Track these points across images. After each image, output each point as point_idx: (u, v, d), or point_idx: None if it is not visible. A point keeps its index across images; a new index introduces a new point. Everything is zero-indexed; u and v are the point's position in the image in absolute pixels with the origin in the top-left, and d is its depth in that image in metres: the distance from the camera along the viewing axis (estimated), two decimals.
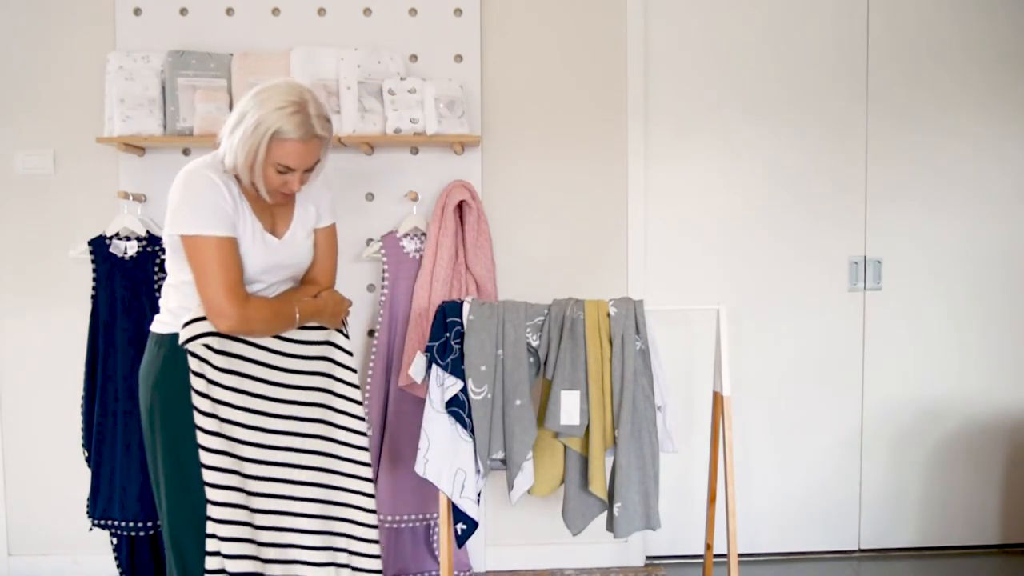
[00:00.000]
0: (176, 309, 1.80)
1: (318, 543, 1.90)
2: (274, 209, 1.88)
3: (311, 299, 1.91)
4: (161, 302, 1.85)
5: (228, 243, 1.73)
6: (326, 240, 2.01)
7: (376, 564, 1.98)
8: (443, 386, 2.25)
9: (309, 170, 1.82)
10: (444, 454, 2.24)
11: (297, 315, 1.85)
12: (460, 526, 2.26)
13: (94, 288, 2.52)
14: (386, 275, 2.62)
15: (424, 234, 2.64)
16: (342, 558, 1.95)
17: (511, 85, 2.75)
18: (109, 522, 2.49)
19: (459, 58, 2.71)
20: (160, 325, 1.83)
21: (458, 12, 2.70)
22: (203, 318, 1.75)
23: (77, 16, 2.67)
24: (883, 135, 2.86)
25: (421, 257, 2.62)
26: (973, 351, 2.92)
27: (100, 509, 2.50)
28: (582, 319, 2.25)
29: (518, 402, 2.23)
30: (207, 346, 1.76)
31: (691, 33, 2.81)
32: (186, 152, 2.66)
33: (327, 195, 2.02)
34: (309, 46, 2.58)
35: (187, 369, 1.76)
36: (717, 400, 2.40)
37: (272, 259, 1.84)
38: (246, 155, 1.73)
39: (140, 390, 1.83)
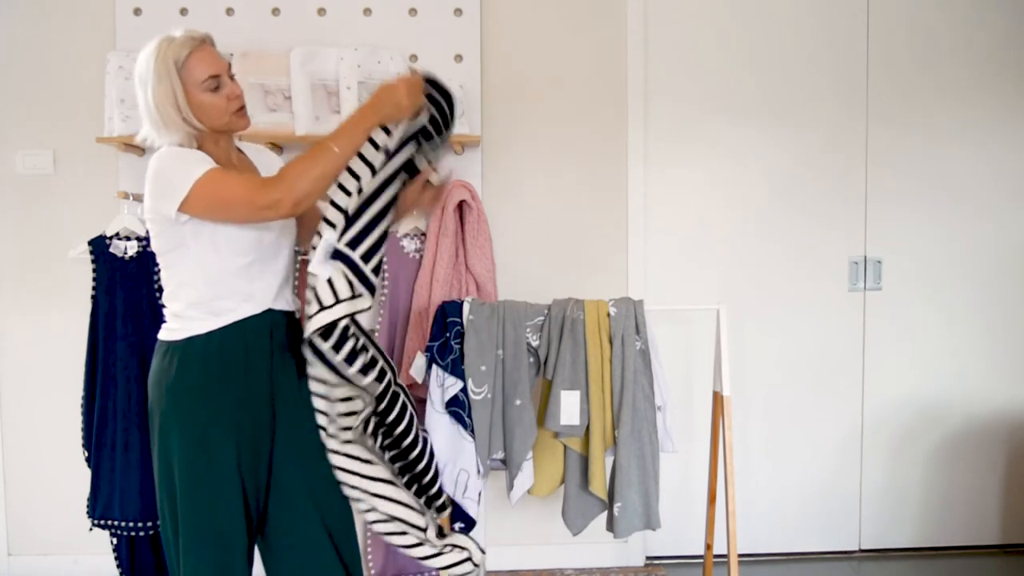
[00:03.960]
0: (183, 312, 1.77)
1: None
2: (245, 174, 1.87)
3: (341, 124, 1.74)
4: (166, 309, 1.81)
5: (221, 170, 1.70)
6: None
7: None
8: (443, 386, 2.25)
9: (231, 76, 1.79)
10: (445, 454, 2.24)
11: (334, 147, 1.71)
12: (458, 525, 2.27)
13: (94, 288, 2.52)
14: (386, 275, 2.62)
15: (424, 234, 2.64)
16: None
17: (511, 85, 2.75)
18: (109, 522, 2.49)
19: (459, 58, 2.71)
20: (169, 332, 1.79)
21: (458, 12, 2.70)
22: (324, 307, 1.70)
23: (77, 16, 2.67)
24: (882, 137, 2.86)
25: (421, 257, 2.62)
26: (973, 351, 2.92)
27: (100, 509, 2.50)
28: (582, 319, 2.25)
29: (518, 402, 2.23)
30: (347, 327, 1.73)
31: (691, 35, 2.81)
32: None
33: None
34: (309, 46, 2.58)
35: (202, 374, 1.74)
36: (717, 400, 2.40)
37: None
38: (170, 103, 1.69)
39: (151, 399, 1.79)
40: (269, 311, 1.85)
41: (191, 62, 1.72)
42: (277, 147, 2.63)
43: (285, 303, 1.92)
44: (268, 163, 1.97)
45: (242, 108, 1.81)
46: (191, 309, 1.77)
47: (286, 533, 1.91)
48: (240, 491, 1.79)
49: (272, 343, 1.86)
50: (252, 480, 1.82)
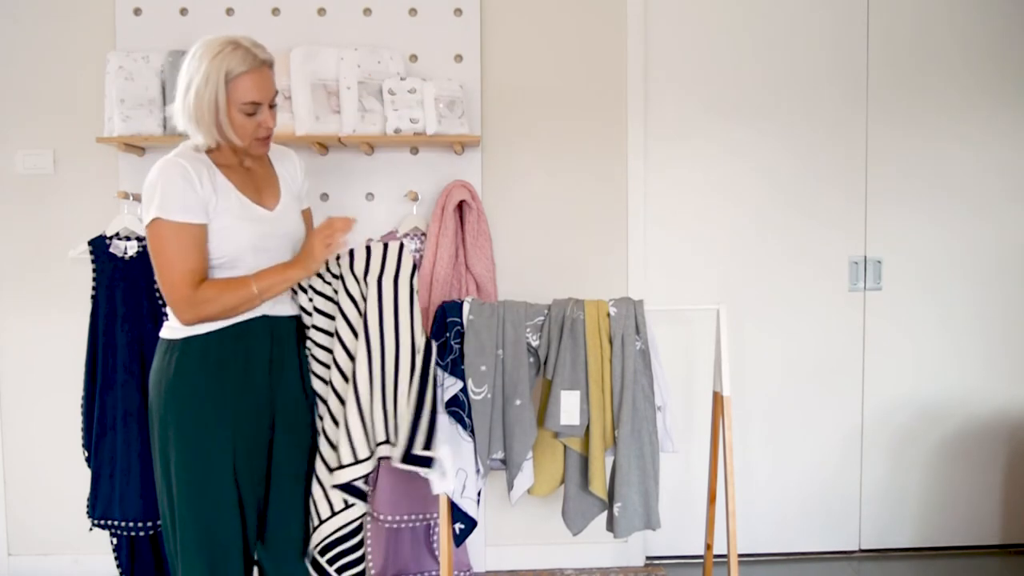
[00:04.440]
0: None
1: None
2: (259, 183, 1.87)
3: (269, 267, 1.84)
4: (168, 308, 1.83)
5: (188, 229, 1.71)
6: (308, 221, 2.05)
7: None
8: (443, 386, 2.24)
9: (272, 105, 1.81)
10: (444, 454, 2.24)
11: (255, 287, 1.77)
12: (458, 526, 2.26)
13: (94, 288, 2.52)
14: None
15: (424, 234, 2.64)
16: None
17: (511, 85, 2.75)
18: (109, 522, 2.49)
19: (459, 58, 2.71)
20: (169, 331, 1.80)
21: (458, 12, 2.70)
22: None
23: (77, 16, 2.67)
24: (883, 137, 2.86)
25: (421, 257, 2.61)
26: (973, 351, 2.92)
27: (100, 509, 2.50)
28: (582, 319, 2.25)
29: (518, 402, 2.23)
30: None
31: (691, 35, 2.81)
32: None
33: (307, 182, 2.06)
34: (309, 46, 2.58)
35: (200, 374, 1.75)
36: (717, 400, 2.39)
37: (266, 230, 1.82)
38: (209, 110, 1.71)
39: (151, 397, 1.81)
40: (268, 316, 1.85)
41: (242, 81, 1.72)
42: None
43: (285, 308, 1.92)
44: (290, 174, 1.97)
45: (267, 137, 1.83)
46: None
47: (284, 536, 1.91)
48: (235, 492, 1.79)
49: (272, 347, 1.86)
50: (249, 481, 1.82)
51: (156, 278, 1.76)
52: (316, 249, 1.85)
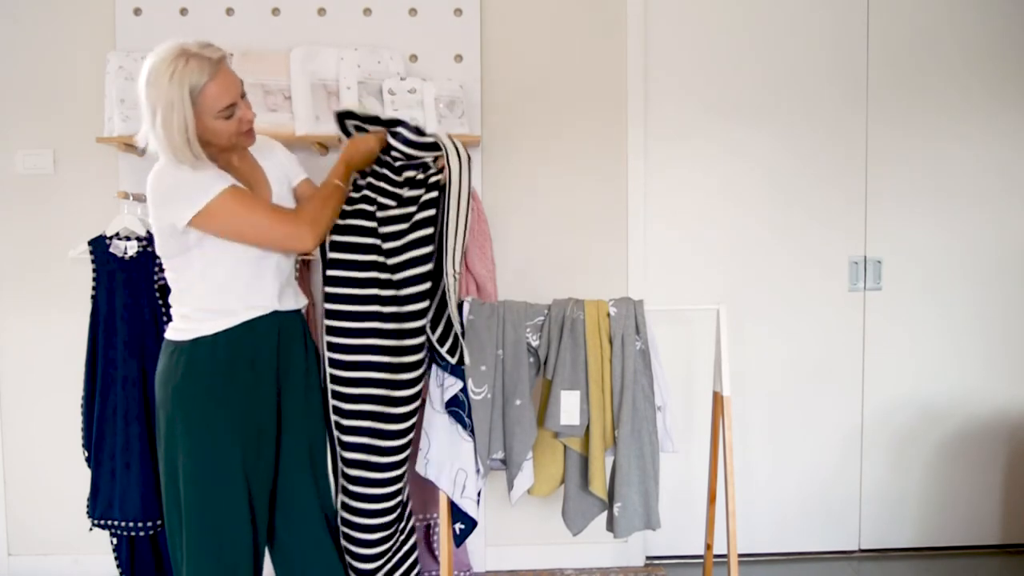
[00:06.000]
0: (192, 313, 1.77)
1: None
2: (249, 182, 1.85)
3: (333, 170, 1.93)
4: (173, 309, 1.81)
5: (227, 195, 1.70)
6: (311, 189, 2.01)
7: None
8: (443, 386, 2.24)
9: (243, 95, 1.77)
10: (444, 454, 2.24)
11: (338, 182, 1.89)
12: (459, 525, 2.26)
13: (94, 288, 2.52)
14: None
15: None
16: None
17: (511, 85, 2.75)
18: (109, 522, 2.49)
19: (459, 58, 2.71)
20: (176, 332, 1.79)
21: (458, 12, 2.70)
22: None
23: (77, 16, 2.67)
24: (882, 138, 2.86)
25: None
26: (973, 351, 2.92)
27: (100, 509, 2.49)
28: (582, 319, 2.25)
29: (518, 402, 2.23)
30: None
31: (691, 35, 2.81)
32: None
33: (291, 157, 2.03)
34: (309, 46, 2.58)
35: (209, 375, 1.75)
36: (717, 400, 2.39)
37: None
38: (180, 133, 1.65)
39: (158, 399, 1.80)
40: (276, 312, 1.85)
41: (209, 91, 1.66)
42: None
43: (291, 302, 1.92)
44: (280, 165, 1.96)
45: (250, 134, 1.81)
46: (198, 311, 1.77)
47: (293, 534, 1.91)
48: (245, 493, 1.79)
49: (279, 344, 1.86)
50: (257, 480, 1.83)
51: (238, 240, 1.76)
52: (372, 143, 1.99)
